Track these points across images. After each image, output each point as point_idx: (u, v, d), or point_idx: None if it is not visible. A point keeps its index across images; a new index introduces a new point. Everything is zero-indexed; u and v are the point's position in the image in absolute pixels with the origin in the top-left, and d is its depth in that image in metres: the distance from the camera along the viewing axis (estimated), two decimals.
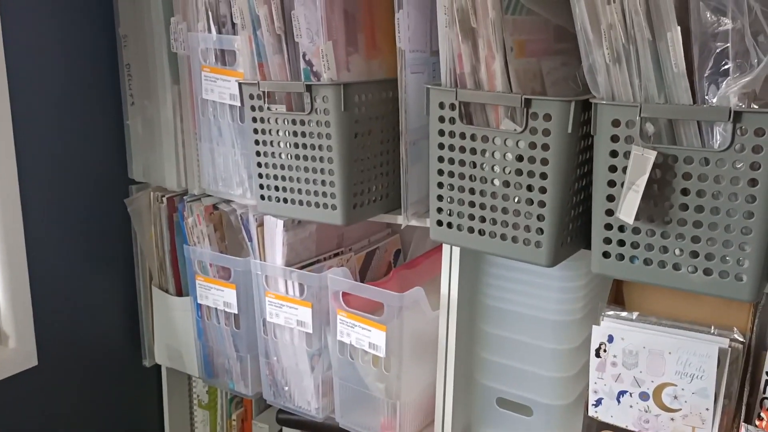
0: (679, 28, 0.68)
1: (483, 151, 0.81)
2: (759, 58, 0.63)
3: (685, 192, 0.70)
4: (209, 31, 1.08)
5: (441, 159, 0.85)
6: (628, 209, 0.71)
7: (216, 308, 1.22)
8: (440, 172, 0.86)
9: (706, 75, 0.69)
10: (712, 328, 0.91)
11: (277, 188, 1.02)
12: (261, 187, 1.03)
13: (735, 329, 0.89)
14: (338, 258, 1.25)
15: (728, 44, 0.67)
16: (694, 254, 0.71)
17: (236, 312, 1.20)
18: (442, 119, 0.84)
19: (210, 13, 1.07)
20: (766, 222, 0.67)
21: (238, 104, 1.06)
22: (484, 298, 1.04)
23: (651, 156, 0.69)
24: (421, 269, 1.23)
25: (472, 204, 0.84)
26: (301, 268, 1.15)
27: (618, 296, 1.04)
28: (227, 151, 1.13)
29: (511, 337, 1.02)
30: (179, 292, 1.31)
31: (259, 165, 1.02)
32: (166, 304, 1.32)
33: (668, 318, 0.94)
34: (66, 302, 1.28)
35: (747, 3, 0.63)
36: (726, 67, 0.67)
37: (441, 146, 0.85)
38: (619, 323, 0.93)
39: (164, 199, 1.25)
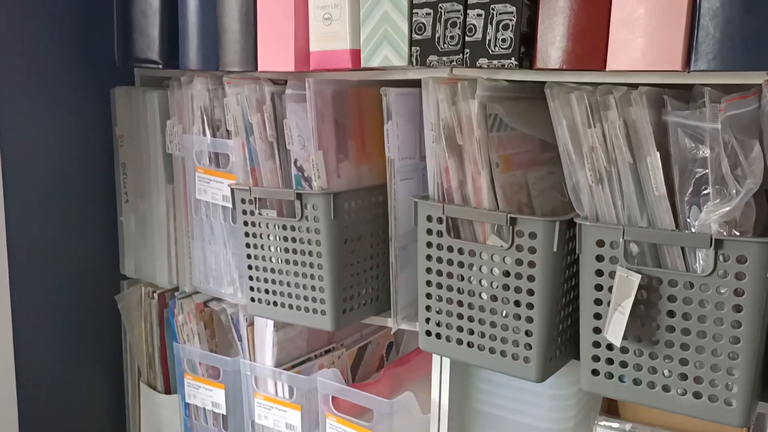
0: (658, 153, 0.69)
1: (471, 265, 0.82)
2: (737, 190, 0.64)
3: (671, 314, 0.70)
4: (204, 134, 1.10)
5: (429, 270, 0.85)
6: (615, 330, 0.71)
7: (204, 408, 1.20)
8: (428, 284, 0.86)
9: (686, 198, 0.70)
10: None
11: (267, 291, 1.02)
12: (251, 289, 1.03)
13: None
14: (330, 355, 1.23)
15: (707, 170, 0.68)
16: (683, 376, 0.71)
17: (224, 413, 1.17)
18: (429, 232, 0.84)
19: (205, 117, 1.09)
20: (753, 347, 0.66)
21: (231, 206, 1.07)
22: (475, 403, 1.02)
23: (636, 279, 0.69)
24: (413, 365, 1.22)
25: (460, 316, 0.84)
26: (292, 366, 1.14)
27: (611, 403, 1.02)
28: (219, 250, 1.14)
29: None
30: (168, 390, 1.29)
31: (250, 267, 1.03)
32: (154, 401, 1.30)
33: (662, 427, 0.93)
34: (52, 401, 1.26)
35: (722, 137, 0.64)
36: (706, 191, 0.68)
37: (429, 258, 0.85)
38: None
39: (155, 295, 1.25)
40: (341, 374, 1.22)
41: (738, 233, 0.66)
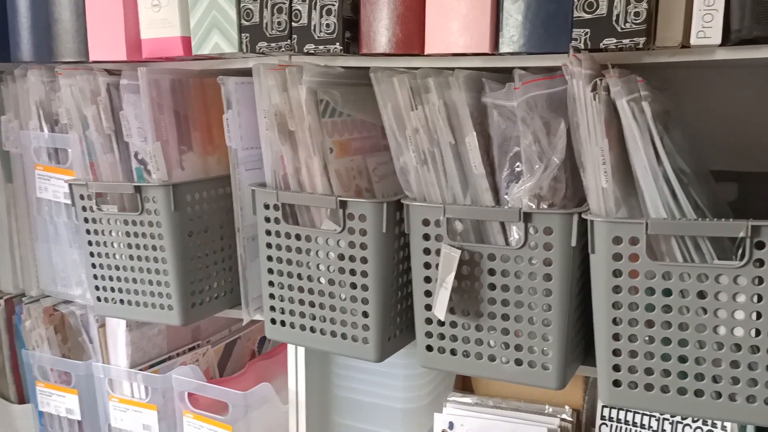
0: (475, 133, 0.72)
1: (308, 250, 0.82)
2: (539, 165, 0.67)
3: (492, 287, 0.73)
4: (41, 129, 1.05)
5: (270, 258, 0.85)
6: (440, 306, 0.73)
7: (59, 415, 1.15)
8: (270, 271, 0.86)
9: (504, 175, 0.73)
10: (547, 406, 0.94)
11: (113, 289, 0.98)
12: (96, 288, 1.00)
13: (567, 408, 0.93)
14: (193, 353, 1.21)
15: (520, 148, 0.71)
16: (506, 345, 0.74)
17: (80, 418, 1.13)
18: (267, 219, 0.84)
19: (41, 112, 1.04)
20: (564, 314, 0.70)
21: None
22: (334, 389, 1.03)
23: (456, 255, 0.72)
24: (280, 358, 1.21)
25: (301, 302, 0.84)
26: (151, 366, 1.11)
27: (466, 379, 1.06)
28: (64, 250, 1.09)
29: (363, 428, 1.02)
30: (21, 400, 1.23)
31: (94, 266, 0.99)
32: (8, 412, 1.23)
33: (511, 398, 0.97)
34: None
35: (521, 115, 0.67)
36: (520, 168, 0.72)
37: (269, 246, 0.85)
38: (459, 409, 0.95)
39: (1, 301, 1.18)
40: (206, 371, 1.21)
41: (546, 206, 0.70)
